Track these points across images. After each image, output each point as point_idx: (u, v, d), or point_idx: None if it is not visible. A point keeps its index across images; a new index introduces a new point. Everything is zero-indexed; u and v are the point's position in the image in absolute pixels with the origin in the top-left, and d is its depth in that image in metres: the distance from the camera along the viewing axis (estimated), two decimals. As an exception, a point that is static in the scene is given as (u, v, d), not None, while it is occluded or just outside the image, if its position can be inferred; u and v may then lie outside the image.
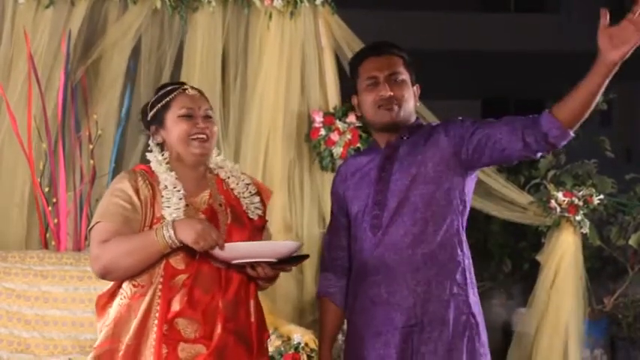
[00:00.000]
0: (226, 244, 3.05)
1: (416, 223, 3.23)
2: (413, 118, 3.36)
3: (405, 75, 3.32)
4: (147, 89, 5.34)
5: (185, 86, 3.25)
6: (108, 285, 3.17)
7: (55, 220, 5.06)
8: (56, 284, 4.79)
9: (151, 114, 3.22)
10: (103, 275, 3.08)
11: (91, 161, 5.13)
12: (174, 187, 3.12)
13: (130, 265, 3.05)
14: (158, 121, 3.20)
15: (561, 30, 14.43)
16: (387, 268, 3.24)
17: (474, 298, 3.28)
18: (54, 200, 5.07)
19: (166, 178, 3.14)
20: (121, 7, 5.34)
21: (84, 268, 4.78)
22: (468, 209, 3.32)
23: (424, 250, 3.23)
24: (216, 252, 3.04)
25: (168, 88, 3.25)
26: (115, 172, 5.19)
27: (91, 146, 5.17)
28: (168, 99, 3.20)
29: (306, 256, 3.24)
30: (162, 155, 3.20)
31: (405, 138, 3.33)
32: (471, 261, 3.30)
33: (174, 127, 3.17)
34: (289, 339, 4.78)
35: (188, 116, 3.17)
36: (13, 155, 5.20)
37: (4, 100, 5.13)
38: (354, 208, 3.35)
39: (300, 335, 4.80)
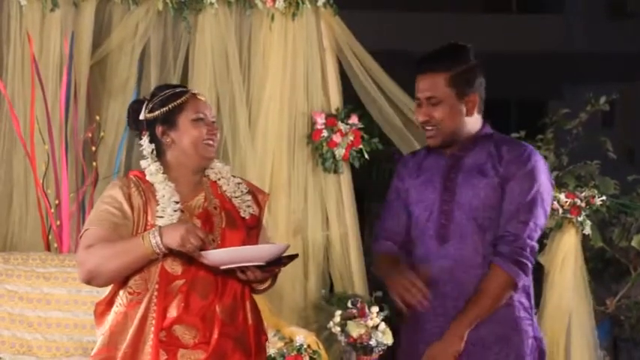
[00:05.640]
0: (211, 251, 3.05)
1: (484, 243, 3.25)
2: (467, 130, 3.31)
3: (443, 95, 3.27)
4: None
5: (195, 90, 3.27)
6: (108, 288, 3.17)
7: (58, 222, 5.06)
8: (59, 286, 4.79)
9: (157, 113, 3.20)
10: (88, 280, 3.08)
11: (94, 163, 5.13)
12: (171, 198, 3.12)
13: (114, 269, 3.04)
14: (169, 122, 3.20)
15: (563, 31, 14.43)
16: (455, 283, 3.25)
17: (537, 320, 3.32)
18: (56, 202, 5.07)
19: (164, 188, 3.14)
20: (125, 10, 5.35)
21: (86, 270, 4.78)
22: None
23: None
24: (202, 258, 3.04)
25: (177, 90, 3.25)
26: (123, 173, 5.21)
27: (93, 148, 5.17)
28: (180, 101, 3.20)
29: (295, 256, 3.23)
30: (156, 162, 3.19)
31: (468, 149, 3.31)
32: (531, 285, 3.31)
33: (188, 131, 3.18)
34: (292, 340, 4.78)
35: (201, 121, 3.19)
36: (16, 157, 5.20)
37: (7, 102, 5.14)
38: (417, 210, 3.34)
39: (303, 337, 4.80)
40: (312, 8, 5.54)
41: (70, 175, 5.15)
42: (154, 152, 3.21)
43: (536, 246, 3.27)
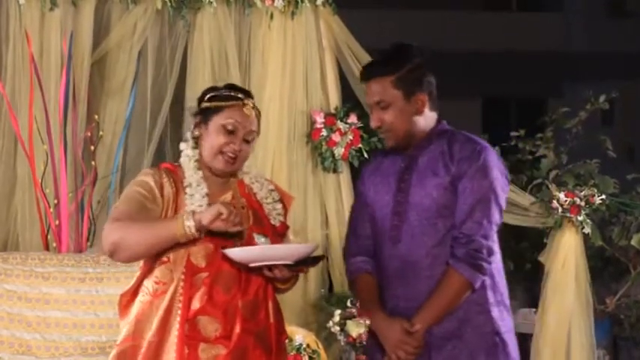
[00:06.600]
0: (242, 248, 3.08)
1: (436, 243, 3.25)
2: (421, 129, 3.32)
3: (391, 98, 3.29)
4: (152, 91, 5.35)
5: (247, 101, 3.23)
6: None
7: (57, 222, 5.05)
8: (57, 286, 4.78)
9: (203, 106, 3.24)
10: (112, 252, 3.11)
11: (93, 163, 5.13)
12: (198, 185, 3.15)
13: (138, 243, 3.07)
14: (204, 117, 3.23)
15: (563, 29, 14.43)
16: (405, 285, 3.26)
17: (499, 315, 3.27)
18: (55, 202, 5.07)
19: (192, 175, 3.18)
20: (124, 9, 5.35)
21: (85, 270, 4.78)
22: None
23: (442, 270, 3.23)
24: (233, 255, 3.06)
25: (232, 93, 3.25)
26: (122, 173, 5.20)
27: (92, 148, 5.17)
28: (223, 104, 3.21)
29: (323, 257, 3.27)
30: (194, 150, 3.23)
31: (423, 148, 3.32)
32: (496, 280, 3.29)
33: (213, 134, 3.20)
34: (291, 340, 4.77)
35: (230, 131, 3.18)
36: (19, 156, 5.19)
37: (6, 102, 5.14)
38: (376, 212, 3.36)
39: (302, 336, 4.80)
40: (311, 7, 5.53)
41: (69, 175, 5.15)
42: (194, 140, 3.26)
43: (493, 245, 3.25)
